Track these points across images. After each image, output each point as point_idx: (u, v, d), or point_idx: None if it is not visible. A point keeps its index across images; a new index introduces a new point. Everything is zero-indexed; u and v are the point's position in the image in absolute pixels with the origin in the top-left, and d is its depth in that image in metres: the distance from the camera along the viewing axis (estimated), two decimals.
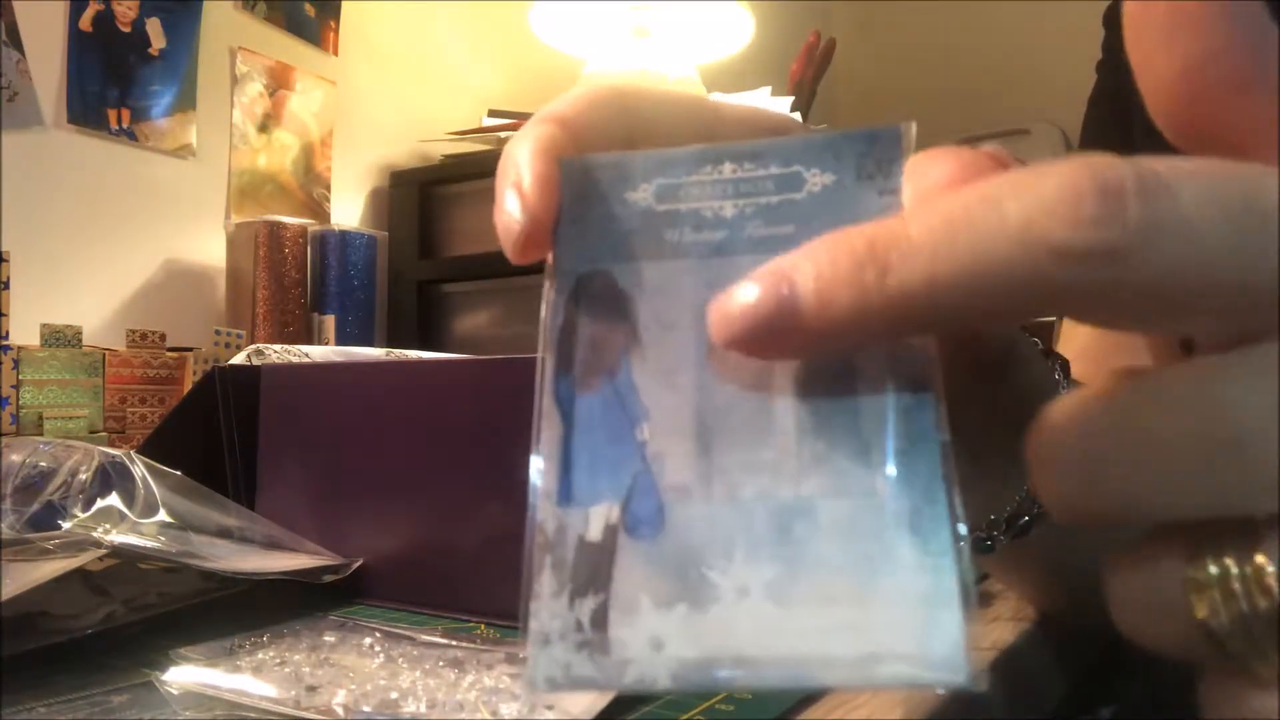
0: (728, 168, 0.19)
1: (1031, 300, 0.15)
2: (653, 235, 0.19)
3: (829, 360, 0.17)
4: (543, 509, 0.17)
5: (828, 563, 0.16)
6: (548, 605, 0.16)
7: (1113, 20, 0.56)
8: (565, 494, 0.17)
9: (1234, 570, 0.15)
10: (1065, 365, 0.29)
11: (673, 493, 0.17)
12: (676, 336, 0.18)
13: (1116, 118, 0.55)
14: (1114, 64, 0.56)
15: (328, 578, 0.45)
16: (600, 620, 0.16)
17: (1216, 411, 0.15)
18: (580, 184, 0.19)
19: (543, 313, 0.19)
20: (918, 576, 0.15)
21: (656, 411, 0.18)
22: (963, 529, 0.16)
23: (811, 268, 0.16)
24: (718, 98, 1.42)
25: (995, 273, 0.15)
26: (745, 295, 0.16)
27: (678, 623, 0.16)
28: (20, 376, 0.81)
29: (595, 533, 0.17)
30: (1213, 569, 0.15)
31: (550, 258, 0.19)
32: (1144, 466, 0.15)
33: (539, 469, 0.17)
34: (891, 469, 0.16)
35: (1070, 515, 0.16)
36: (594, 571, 0.16)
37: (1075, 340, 0.56)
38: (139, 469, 0.46)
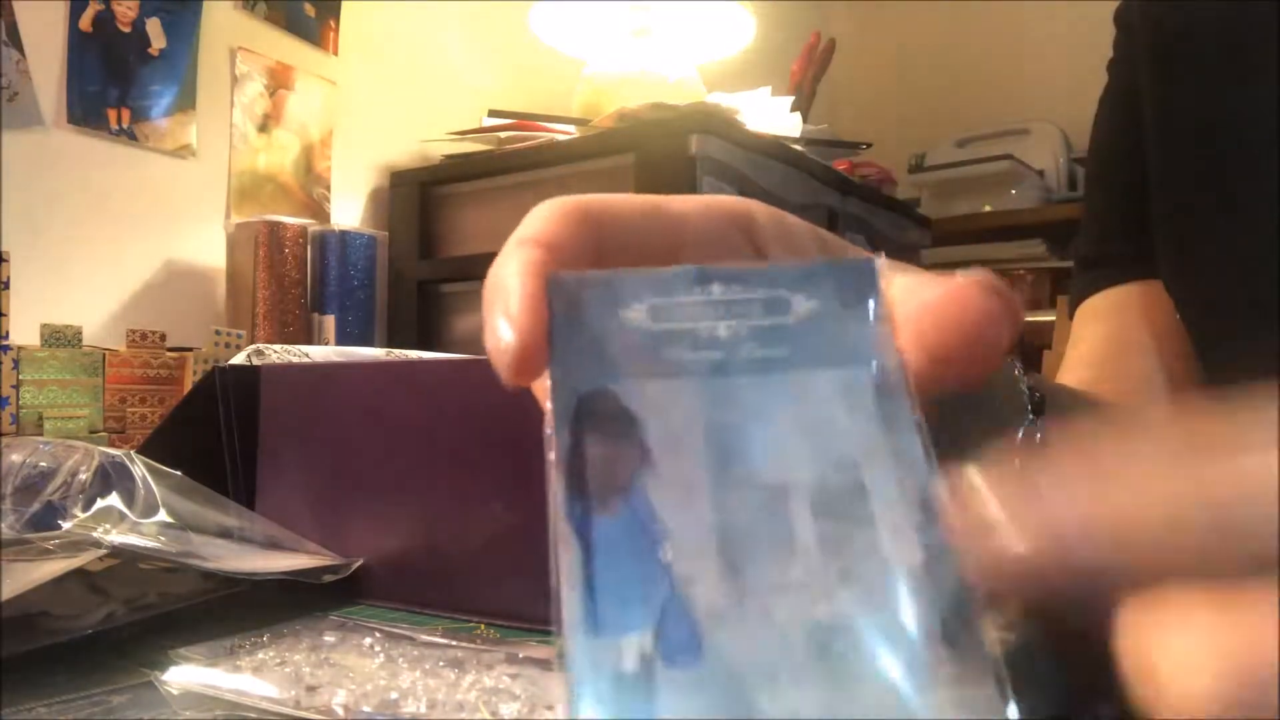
0: (716, 289, 0.19)
1: None
2: (651, 353, 0.19)
3: (840, 480, 0.18)
4: (570, 642, 0.16)
5: (871, 681, 0.16)
6: None
7: (1124, 19, 0.56)
8: (592, 625, 0.16)
9: None
10: (1040, 401, 0.29)
11: (706, 617, 0.16)
12: (687, 455, 0.18)
13: (1129, 119, 0.55)
14: (1126, 64, 0.56)
15: (328, 578, 0.45)
16: None
17: None
18: (571, 302, 0.19)
19: (546, 432, 0.18)
20: (959, 689, 0.16)
21: (677, 531, 0.17)
22: (994, 638, 0.16)
23: None
24: (717, 98, 1.40)
25: None
26: None
27: None
28: (20, 376, 0.81)
29: (630, 664, 0.16)
30: None
31: (547, 378, 0.19)
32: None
33: (561, 598, 0.17)
34: (915, 585, 0.16)
35: None
36: (635, 707, 0.16)
37: (1080, 346, 0.56)
38: (139, 469, 0.46)
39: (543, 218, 0.21)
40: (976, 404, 0.26)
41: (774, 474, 0.18)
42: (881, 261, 0.20)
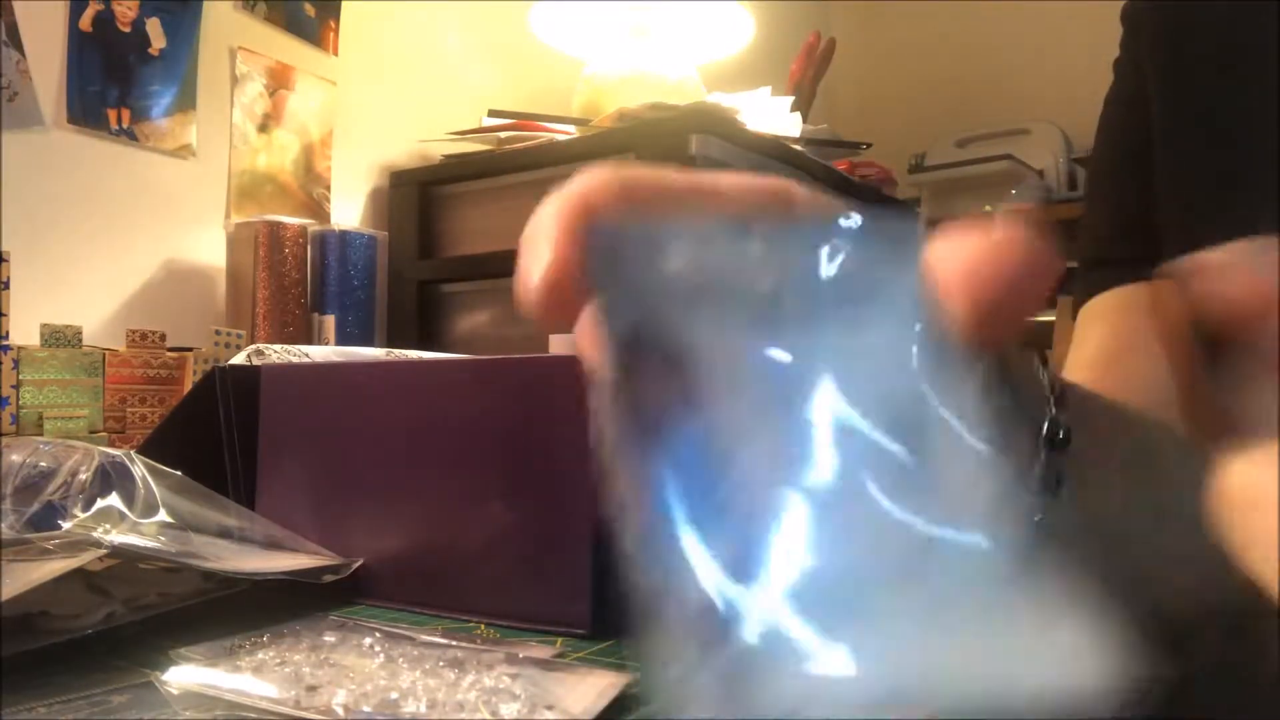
0: (755, 245, 0.19)
1: None
2: (693, 306, 0.19)
3: (904, 415, 0.17)
4: (690, 585, 0.16)
5: (964, 599, 0.16)
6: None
7: (1131, 18, 0.56)
8: (677, 578, 0.16)
9: None
10: (1061, 394, 0.29)
11: (794, 540, 0.16)
12: (742, 405, 0.18)
13: (1135, 119, 0.55)
14: (1132, 64, 0.56)
15: (328, 578, 0.45)
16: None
17: None
18: (612, 250, 0.19)
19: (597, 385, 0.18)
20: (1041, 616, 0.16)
21: (747, 474, 0.17)
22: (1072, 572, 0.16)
23: None
24: (716, 97, 1.39)
25: None
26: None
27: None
28: (20, 376, 0.81)
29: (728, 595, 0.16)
30: None
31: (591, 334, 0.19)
32: None
33: (633, 560, 0.16)
34: (985, 529, 0.16)
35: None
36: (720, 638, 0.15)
37: (1085, 347, 0.56)
38: (139, 469, 0.46)
39: (585, 180, 0.21)
40: (997, 396, 0.26)
41: (831, 424, 0.17)
42: (919, 213, 0.20)
